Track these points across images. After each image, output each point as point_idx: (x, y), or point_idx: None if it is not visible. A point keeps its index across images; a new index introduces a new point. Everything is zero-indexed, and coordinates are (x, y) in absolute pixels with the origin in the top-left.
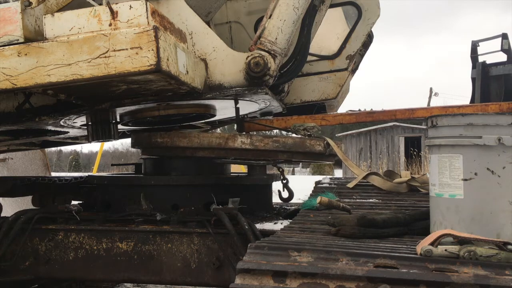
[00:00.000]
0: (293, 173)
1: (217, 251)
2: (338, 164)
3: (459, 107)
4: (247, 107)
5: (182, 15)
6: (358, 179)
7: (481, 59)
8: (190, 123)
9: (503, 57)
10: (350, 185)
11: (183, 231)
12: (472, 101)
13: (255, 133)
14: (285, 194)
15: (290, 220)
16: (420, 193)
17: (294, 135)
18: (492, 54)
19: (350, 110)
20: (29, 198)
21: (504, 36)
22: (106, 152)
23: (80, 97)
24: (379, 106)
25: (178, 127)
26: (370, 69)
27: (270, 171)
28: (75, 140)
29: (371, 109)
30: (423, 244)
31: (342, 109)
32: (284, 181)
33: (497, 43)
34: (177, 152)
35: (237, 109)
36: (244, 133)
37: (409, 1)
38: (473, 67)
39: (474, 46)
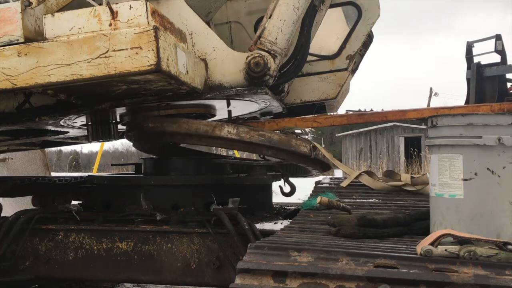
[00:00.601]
0: None
1: (217, 251)
2: None
3: (450, 108)
4: (247, 107)
5: (182, 15)
6: (350, 178)
7: (479, 59)
8: None
9: (498, 58)
10: (344, 184)
11: (183, 231)
12: (467, 101)
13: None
14: (287, 189)
15: (290, 220)
16: (420, 193)
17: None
18: (488, 55)
19: (349, 110)
20: (29, 198)
21: (498, 37)
22: (106, 152)
23: (80, 97)
24: (379, 106)
25: None
26: (370, 69)
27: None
28: (75, 140)
29: (371, 109)
30: (423, 244)
31: (342, 109)
32: (285, 177)
33: (492, 44)
34: (167, 138)
35: (229, 112)
36: (232, 123)
37: (409, 1)
38: (468, 67)
39: (469, 47)
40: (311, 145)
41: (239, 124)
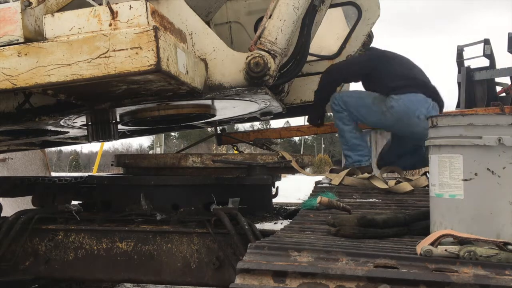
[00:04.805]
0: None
1: (217, 251)
2: (338, 163)
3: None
4: (247, 107)
5: (182, 15)
6: (335, 180)
7: (469, 63)
8: (190, 123)
9: (488, 62)
10: (335, 182)
11: (183, 231)
12: (458, 105)
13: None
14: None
15: (290, 220)
16: (420, 193)
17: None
18: (479, 59)
19: None
20: (29, 198)
21: (486, 42)
22: (106, 152)
23: (80, 97)
24: None
25: (178, 127)
26: None
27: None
28: (75, 140)
29: None
30: (423, 244)
31: None
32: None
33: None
34: (144, 171)
35: (216, 125)
36: (196, 153)
37: (409, 1)
38: (459, 71)
39: (460, 51)
40: (279, 156)
41: (202, 154)
